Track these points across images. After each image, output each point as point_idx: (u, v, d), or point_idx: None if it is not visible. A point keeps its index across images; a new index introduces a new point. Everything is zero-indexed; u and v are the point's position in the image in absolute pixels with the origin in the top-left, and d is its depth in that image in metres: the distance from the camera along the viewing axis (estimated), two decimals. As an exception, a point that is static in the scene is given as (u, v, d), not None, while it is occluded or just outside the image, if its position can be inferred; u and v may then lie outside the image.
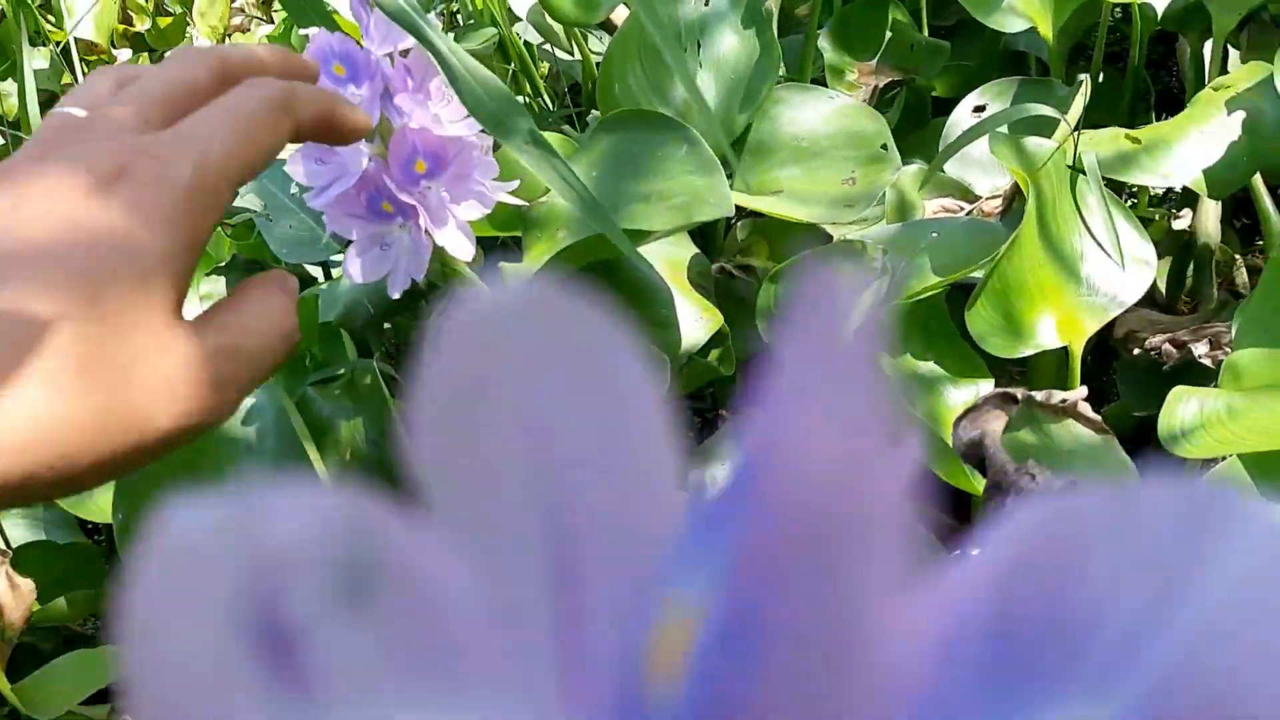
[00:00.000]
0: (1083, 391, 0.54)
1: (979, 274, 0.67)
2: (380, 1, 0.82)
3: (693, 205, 0.67)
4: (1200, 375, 0.74)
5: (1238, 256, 0.86)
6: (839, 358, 0.11)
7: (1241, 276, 0.87)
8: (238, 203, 1.04)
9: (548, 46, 1.07)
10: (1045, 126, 0.82)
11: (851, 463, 0.11)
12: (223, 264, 0.96)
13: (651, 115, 0.75)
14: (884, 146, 0.79)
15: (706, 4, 0.86)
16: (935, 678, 0.12)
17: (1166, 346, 0.77)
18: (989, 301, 0.65)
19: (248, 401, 0.75)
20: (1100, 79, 1.01)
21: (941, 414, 0.62)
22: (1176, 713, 0.12)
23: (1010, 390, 0.50)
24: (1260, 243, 0.93)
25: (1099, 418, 0.54)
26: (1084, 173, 0.73)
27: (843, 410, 0.11)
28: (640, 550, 0.13)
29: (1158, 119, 0.87)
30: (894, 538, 0.11)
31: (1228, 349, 0.73)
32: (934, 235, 0.73)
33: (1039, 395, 0.52)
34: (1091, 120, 0.95)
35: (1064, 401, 0.53)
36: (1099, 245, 0.71)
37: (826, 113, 0.82)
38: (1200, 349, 0.74)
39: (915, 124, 0.98)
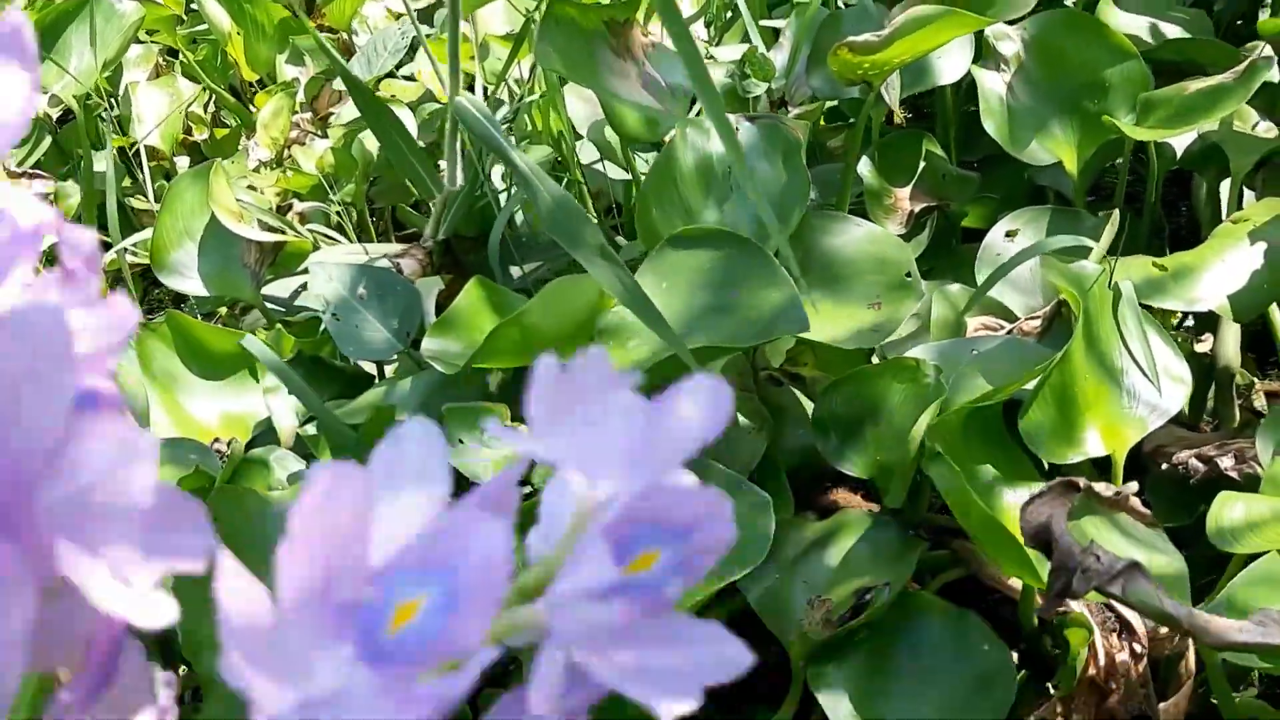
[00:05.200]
0: (1134, 486, 0.58)
1: (1028, 385, 0.71)
2: (468, 123, 0.88)
3: (769, 320, 0.71)
4: (1227, 489, 0.78)
5: (1255, 380, 0.91)
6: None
7: (1260, 400, 0.91)
8: (298, 301, 1.09)
9: (595, 166, 1.13)
10: (1075, 254, 0.88)
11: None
12: (287, 360, 1.00)
13: (719, 233, 0.80)
14: (908, 275, 0.82)
15: (736, 130, 0.90)
16: None
17: (1193, 461, 0.81)
18: (1040, 410, 0.69)
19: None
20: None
21: (1000, 512, 0.66)
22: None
23: (1073, 479, 0.54)
24: (1277, 369, 0.98)
25: (1149, 512, 0.58)
26: (1121, 295, 0.78)
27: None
28: None
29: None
30: None
31: (1253, 463, 0.77)
32: (974, 352, 0.78)
33: (1098, 486, 0.56)
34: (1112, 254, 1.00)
35: (1118, 494, 0.57)
36: (1136, 362, 0.76)
37: (855, 238, 0.86)
38: (1226, 463, 0.79)
39: (946, 247, 1.03)
